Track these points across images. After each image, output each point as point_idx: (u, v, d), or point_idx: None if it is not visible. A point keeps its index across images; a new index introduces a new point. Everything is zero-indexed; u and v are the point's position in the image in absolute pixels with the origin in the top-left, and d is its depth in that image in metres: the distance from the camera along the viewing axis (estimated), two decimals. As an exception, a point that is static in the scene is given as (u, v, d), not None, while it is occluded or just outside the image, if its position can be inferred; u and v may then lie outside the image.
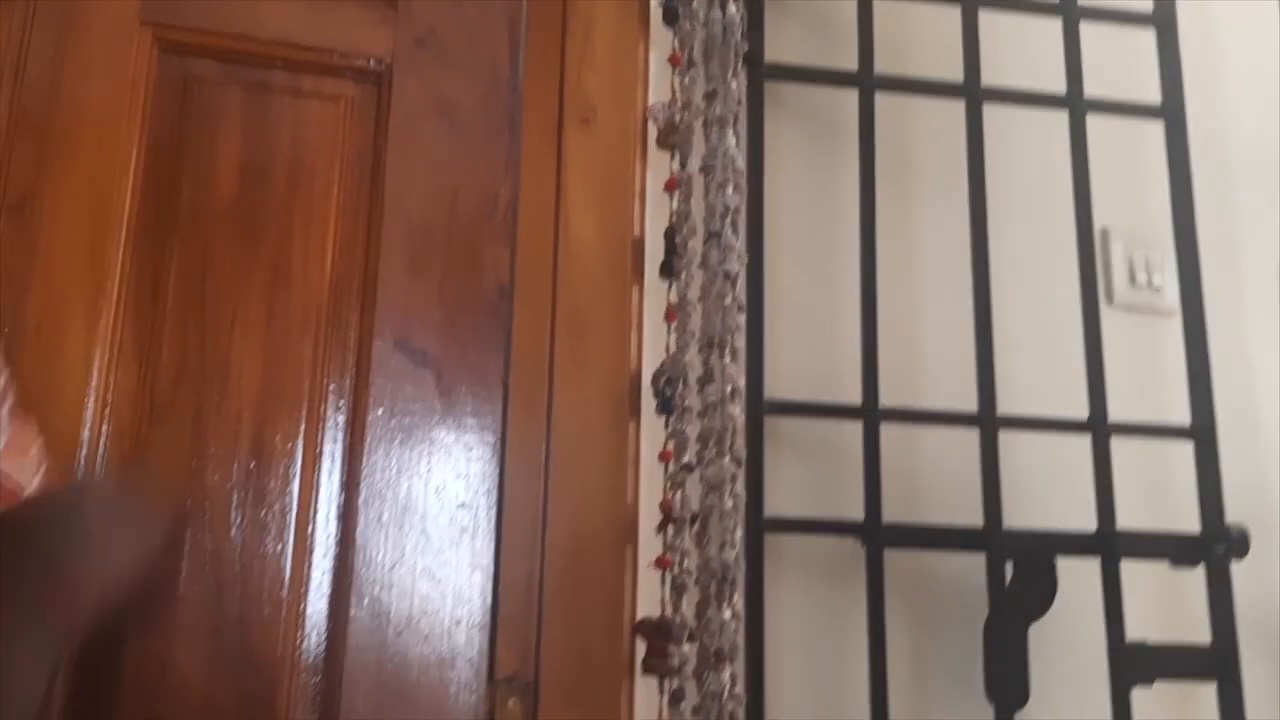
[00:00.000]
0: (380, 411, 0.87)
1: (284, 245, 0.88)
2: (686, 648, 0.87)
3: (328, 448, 0.86)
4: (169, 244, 0.86)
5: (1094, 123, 1.10)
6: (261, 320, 0.86)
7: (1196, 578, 1.02)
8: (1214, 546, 0.98)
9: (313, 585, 0.83)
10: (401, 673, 0.82)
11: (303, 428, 0.85)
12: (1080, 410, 1.03)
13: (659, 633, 0.89)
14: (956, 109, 1.07)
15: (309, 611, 0.83)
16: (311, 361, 0.87)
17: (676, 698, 0.86)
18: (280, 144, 0.89)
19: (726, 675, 0.84)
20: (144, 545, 0.64)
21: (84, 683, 0.77)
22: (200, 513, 0.82)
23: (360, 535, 0.84)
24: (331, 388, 0.87)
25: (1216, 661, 0.97)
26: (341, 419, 0.87)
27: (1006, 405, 1.01)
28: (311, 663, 0.82)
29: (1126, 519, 1.02)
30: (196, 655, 0.80)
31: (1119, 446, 1.03)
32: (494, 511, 0.88)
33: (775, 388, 0.99)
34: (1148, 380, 1.12)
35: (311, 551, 0.84)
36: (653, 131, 0.99)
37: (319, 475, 0.85)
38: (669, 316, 0.95)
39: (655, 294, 0.98)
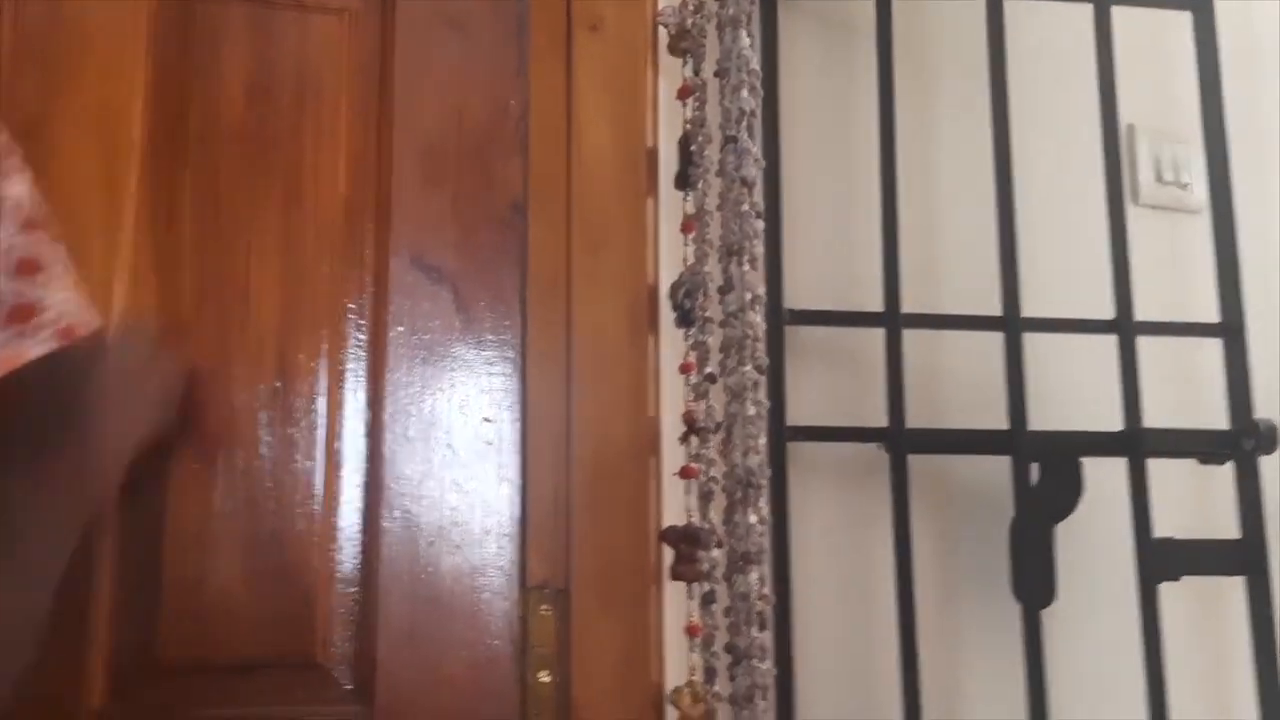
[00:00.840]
0: (400, 329, 0.87)
1: (295, 164, 0.87)
2: (716, 553, 0.88)
3: (350, 366, 0.87)
4: (181, 167, 0.86)
5: (1119, 15, 1.07)
6: (277, 241, 0.86)
7: (1223, 479, 1.02)
8: (1242, 441, 0.97)
9: (344, 500, 0.85)
10: (435, 582, 0.84)
11: (325, 347, 0.86)
12: (1105, 311, 1.02)
13: (685, 539, 0.90)
14: (976, 4, 1.04)
15: (342, 525, 0.84)
16: (329, 281, 0.87)
17: (708, 600, 0.87)
18: (286, 61, 0.88)
19: (754, 577, 0.85)
20: (162, 395, 0.67)
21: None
22: (230, 432, 0.83)
23: (388, 450, 0.85)
24: (350, 307, 0.87)
25: (1245, 556, 0.97)
26: (363, 337, 0.87)
27: (1030, 308, 1.00)
28: (347, 575, 0.84)
29: (1153, 421, 1.01)
30: (233, 571, 0.81)
31: (1145, 349, 1.02)
32: (518, 425, 0.89)
33: (795, 297, 0.99)
34: (1173, 280, 1.10)
35: (341, 467, 0.85)
36: (663, 38, 0.97)
37: (344, 393, 0.86)
38: (685, 228, 0.94)
39: (669, 205, 0.97)
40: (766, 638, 0.86)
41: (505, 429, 0.88)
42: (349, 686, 0.83)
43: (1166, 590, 0.97)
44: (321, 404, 0.85)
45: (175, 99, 0.86)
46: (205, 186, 0.86)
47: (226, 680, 0.81)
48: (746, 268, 0.88)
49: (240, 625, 0.81)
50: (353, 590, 0.84)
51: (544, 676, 0.86)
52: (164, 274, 0.85)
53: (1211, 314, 1.04)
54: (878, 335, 0.99)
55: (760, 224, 0.89)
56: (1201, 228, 1.07)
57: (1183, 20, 1.09)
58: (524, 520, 0.87)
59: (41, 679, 0.77)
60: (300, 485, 0.84)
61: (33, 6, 0.84)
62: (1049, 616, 0.96)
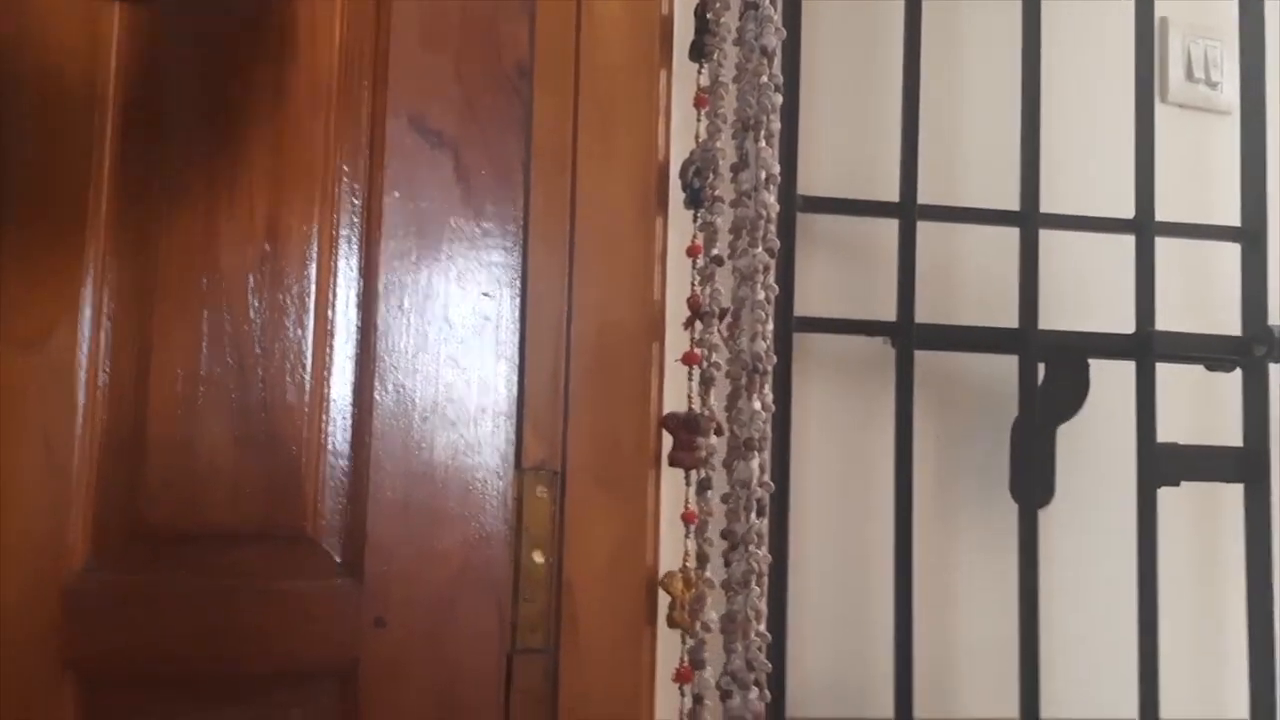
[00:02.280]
0: (396, 195, 0.83)
1: (289, 14, 0.82)
2: (715, 440, 0.87)
3: (344, 232, 0.83)
4: (167, 9, 0.80)
5: (1161, -102, 1.01)
6: (269, 96, 0.81)
7: (1230, 391, 1.01)
8: (1254, 348, 0.96)
9: (335, 370, 0.82)
10: (429, 458, 0.82)
11: (317, 209, 0.82)
12: (1124, 211, 0.99)
13: (686, 426, 0.88)
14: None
15: (333, 396, 0.81)
16: (323, 140, 0.82)
17: (704, 486, 0.85)
18: (280, -102, 0.81)
19: (755, 464, 0.83)
20: None
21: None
22: (217, 293, 0.79)
23: (381, 321, 0.82)
24: (345, 169, 0.83)
25: (1247, 464, 0.97)
26: (357, 202, 0.83)
27: (1048, 206, 0.97)
28: (337, 446, 0.81)
29: (1164, 327, 1.00)
30: (221, 435, 0.79)
31: (1160, 255, 1.00)
32: (518, 301, 0.85)
33: (809, 184, 0.95)
34: (1194, 182, 1.07)
35: (332, 337, 0.82)
36: (683, -104, 0.91)
37: (336, 260, 0.82)
38: (699, 102, 0.90)
39: (684, 79, 0.92)
40: (764, 525, 0.85)
41: (504, 305, 0.85)
42: (338, 560, 0.81)
43: (1162, 496, 0.96)
44: (313, 270, 0.82)
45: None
46: (190, 32, 0.81)
47: (213, 549, 0.79)
48: (763, 144, 0.84)
49: (227, 494, 0.79)
50: (344, 464, 0.81)
51: (537, 557, 0.85)
52: (150, 125, 0.80)
53: (1231, 219, 1.01)
54: (890, 228, 0.95)
55: (779, 98, 0.85)
56: (1228, 130, 1.03)
57: (1226, -91, 1.04)
58: (521, 400, 0.85)
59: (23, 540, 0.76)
60: (290, 354, 0.81)
61: None
62: (1045, 518, 0.95)
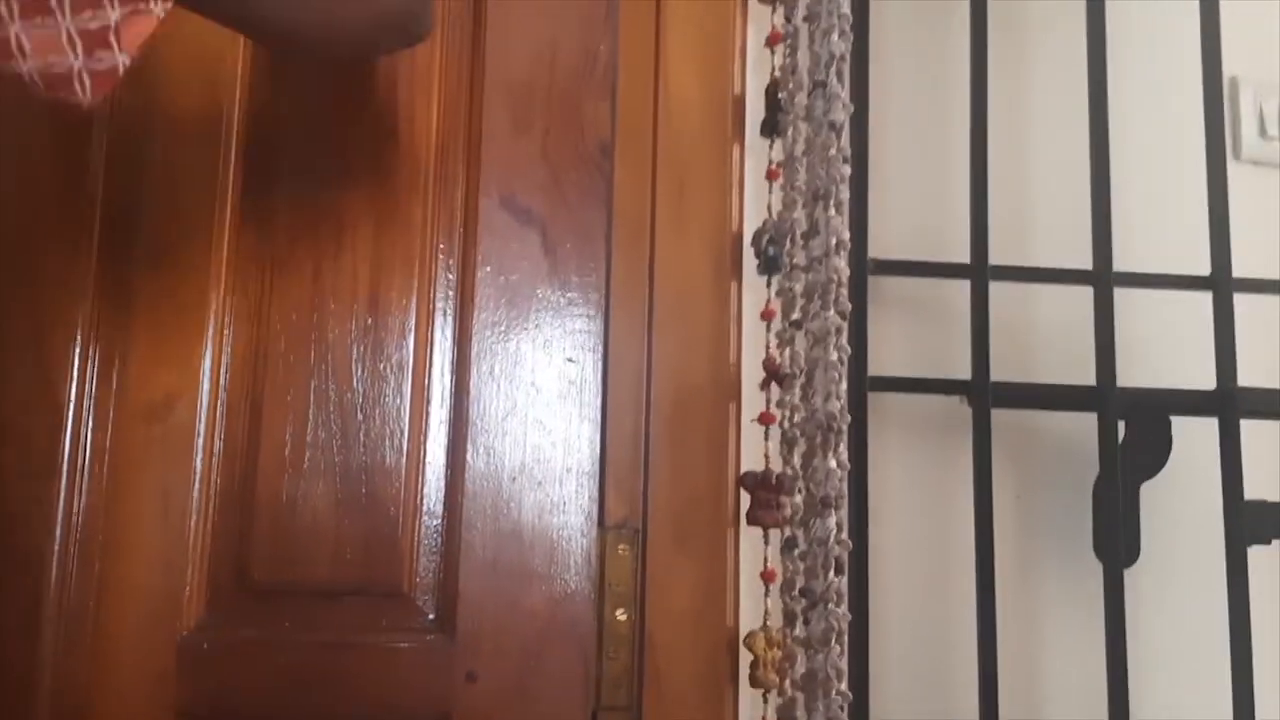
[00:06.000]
0: (488, 269, 0.88)
1: (390, 103, 0.89)
2: (798, 498, 0.89)
3: (439, 304, 0.88)
4: (277, 100, 0.88)
5: (1224, -39, 1.03)
6: (371, 178, 0.88)
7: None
8: (1343, 403, 0.94)
9: (431, 434, 0.86)
10: (516, 517, 0.85)
11: (415, 284, 0.88)
12: (1200, 267, 0.99)
13: (763, 485, 0.90)
14: (1073, -49, 1.01)
15: (428, 458, 0.86)
16: (421, 220, 0.88)
17: (790, 545, 0.87)
18: (383, 1, 0.89)
19: (832, 522, 0.85)
20: None
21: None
22: (323, 364, 0.85)
23: (474, 387, 0.87)
24: (441, 246, 0.89)
25: (1340, 521, 0.94)
26: (452, 277, 0.89)
27: (1123, 263, 0.98)
28: (432, 506, 0.86)
29: (1247, 381, 0.98)
30: (324, 496, 0.84)
31: (1240, 307, 0.99)
32: (600, 366, 0.89)
33: (880, 247, 0.98)
34: (1271, 237, 1.07)
35: (429, 402, 0.87)
36: (753, -16, 0.97)
37: (433, 331, 0.88)
38: (770, 175, 0.94)
39: (755, 154, 0.97)
40: (842, 583, 0.86)
41: (588, 370, 0.89)
42: (432, 616, 0.85)
43: (1252, 554, 0.94)
44: (411, 341, 0.87)
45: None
46: (299, 117, 0.88)
47: (315, 604, 0.84)
48: (832, 213, 0.88)
49: (329, 552, 0.84)
50: (437, 523, 0.86)
51: (620, 615, 0.88)
52: (260, 208, 0.87)
53: (1312, 274, 1.01)
54: (964, 287, 0.97)
55: (847, 169, 0.88)
56: (1305, 185, 1.03)
57: (1291, -32, 1.05)
58: (604, 460, 0.88)
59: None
60: (389, 419, 0.86)
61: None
62: (1130, 576, 0.94)
